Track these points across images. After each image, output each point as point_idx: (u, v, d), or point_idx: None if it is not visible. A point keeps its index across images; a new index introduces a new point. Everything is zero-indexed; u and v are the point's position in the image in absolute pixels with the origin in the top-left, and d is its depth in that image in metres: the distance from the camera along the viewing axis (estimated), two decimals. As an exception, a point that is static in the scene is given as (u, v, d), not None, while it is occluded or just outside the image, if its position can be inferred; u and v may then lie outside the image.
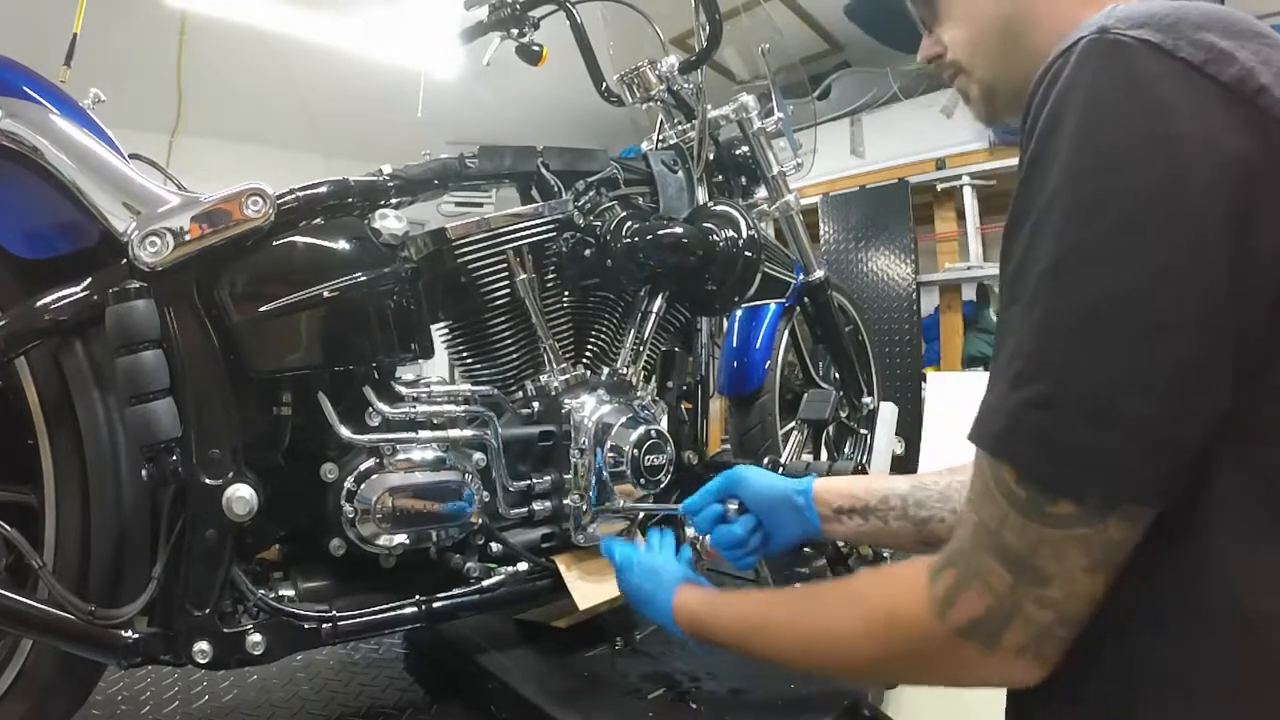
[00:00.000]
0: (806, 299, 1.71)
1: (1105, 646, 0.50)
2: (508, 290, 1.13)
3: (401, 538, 0.96)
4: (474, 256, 1.10)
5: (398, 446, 0.98)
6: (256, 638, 0.88)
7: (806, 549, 1.65)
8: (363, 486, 0.94)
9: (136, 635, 0.83)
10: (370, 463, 0.96)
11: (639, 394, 1.22)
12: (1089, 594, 0.47)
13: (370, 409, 0.97)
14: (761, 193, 1.62)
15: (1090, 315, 0.45)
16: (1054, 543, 0.47)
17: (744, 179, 1.59)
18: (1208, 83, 0.44)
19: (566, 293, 1.20)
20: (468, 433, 1.04)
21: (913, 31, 0.75)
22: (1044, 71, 0.50)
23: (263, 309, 0.89)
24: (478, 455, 1.05)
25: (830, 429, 1.78)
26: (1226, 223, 0.43)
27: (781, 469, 1.32)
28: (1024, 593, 0.48)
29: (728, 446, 1.90)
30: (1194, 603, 0.47)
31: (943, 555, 0.53)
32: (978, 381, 0.52)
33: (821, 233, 3.57)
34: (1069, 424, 0.45)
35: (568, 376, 1.15)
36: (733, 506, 0.95)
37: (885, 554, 1.48)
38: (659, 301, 1.26)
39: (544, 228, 1.16)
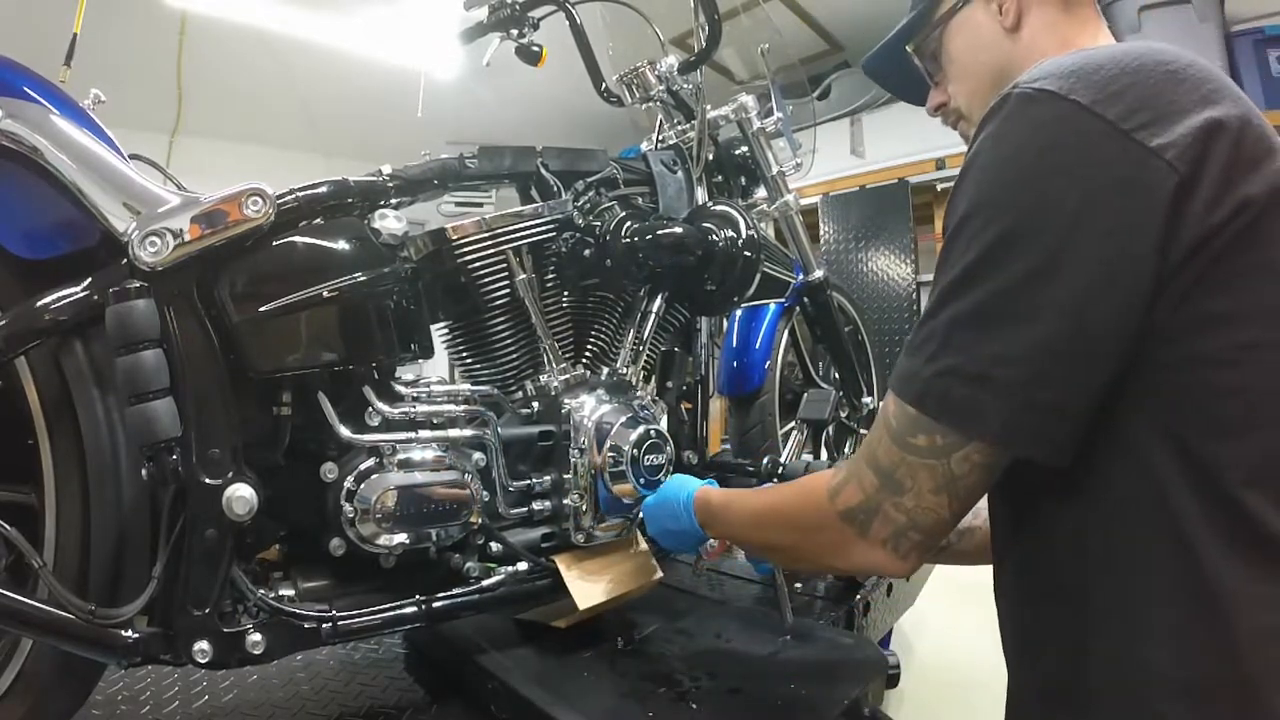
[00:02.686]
0: (806, 299, 1.71)
1: (1063, 611, 0.61)
2: (507, 290, 1.13)
3: (401, 537, 0.96)
4: (474, 256, 1.11)
5: (398, 446, 0.98)
6: (256, 637, 0.88)
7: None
8: (363, 486, 0.94)
9: (136, 635, 0.83)
10: (370, 462, 0.96)
11: (639, 394, 1.23)
12: (934, 510, 0.62)
13: (370, 409, 0.97)
14: (761, 193, 1.62)
15: (983, 310, 0.57)
16: (910, 465, 0.62)
17: (743, 179, 1.59)
18: (1094, 119, 0.54)
19: (566, 293, 1.20)
20: (467, 432, 1.04)
21: (920, 87, 0.87)
22: (979, 125, 0.62)
23: (263, 309, 0.89)
24: (477, 455, 1.05)
25: (830, 429, 1.78)
26: (1097, 233, 0.53)
27: (781, 469, 1.33)
28: (884, 496, 0.64)
29: (728, 446, 1.90)
30: (1140, 552, 0.56)
31: (844, 460, 0.67)
32: (903, 355, 0.65)
33: (821, 233, 3.57)
34: (959, 385, 0.58)
35: (567, 376, 1.15)
36: None
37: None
38: (659, 301, 1.26)
39: (544, 228, 1.16)
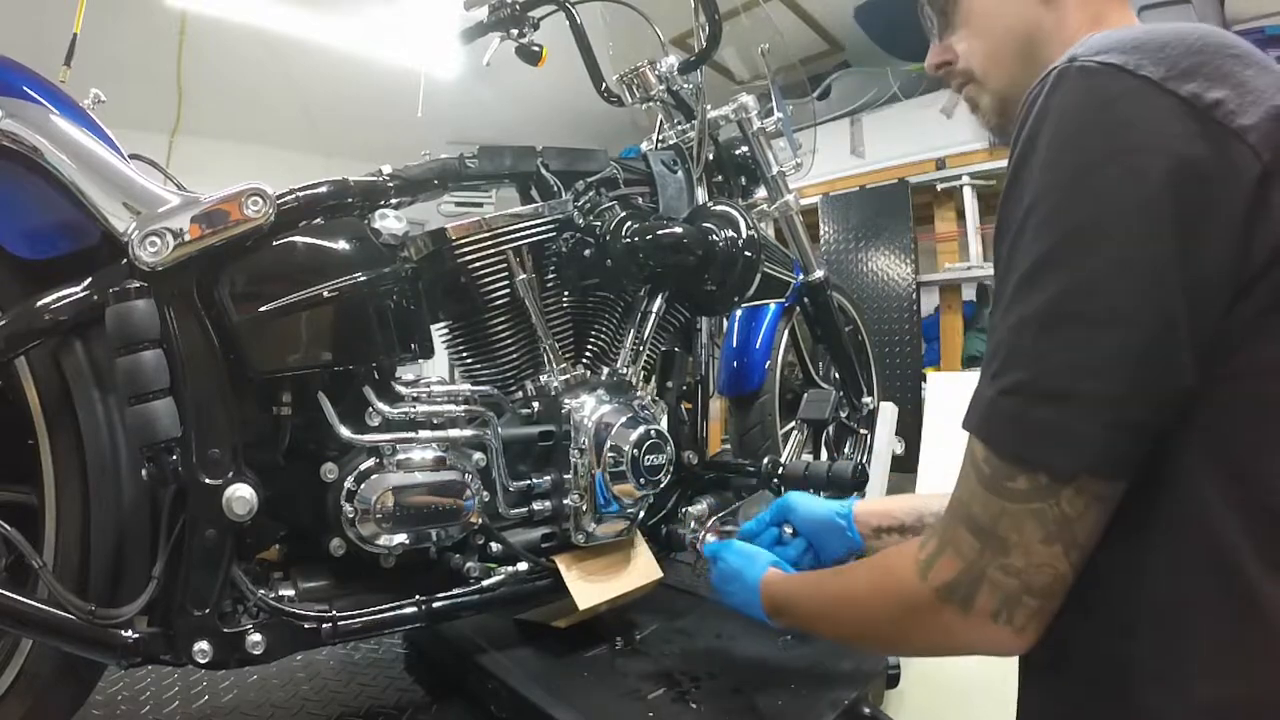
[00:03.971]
0: (806, 299, 1.71)
1: (1099, 630, 0.54)
2: (507, 290, 1.13)
3: (401, 537, 0.96)
4: (474, 256, 1.11)
5: (398, 446, 0.98)
6: (256, 637, 0.88)
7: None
8: (363, 486, 0.94)
9: (136, 635, 0.83)
10: (370, 462, 0.96)
11: (639, 394, 1.22)
12: (1050, 565, 0.52)
13: (370, 409, 0.97)
14: (761, 193, 1.62)
15: (1053, 311, 0.50)
16: (1012, 515, 0.53)
17: (744, 179, 1.59)
18: (1167, 97, 0.49)
19: (566, 293, 1.20)
20: (468, 433, 1.04)
21: (919, 41, 0.77)
22: (1026, 98, 0.55)
23: (263, 309, 0.89)
24: (477, 455, 1.05)
25: (830, 429, 1.78)
26: (1180, 222, 0.47)
27: (781, 469, 1.32)
28: (988, 560, 0.54)
29: (728, 446, 1.91)
30: (1186, 578, 0.51)
31: (930, 528, 0.60)
32: (977, 381, 0.56)
33: (821, 233, 3.57)
34: (1034, 405, 0.51)
35: (567, 376, 1.15)
36: (788, 530, 1.04)
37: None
38: (659, 301, 1.26)
39: (544, 228, 1.16)
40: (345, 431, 0.94)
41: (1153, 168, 0.48)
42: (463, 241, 1.10)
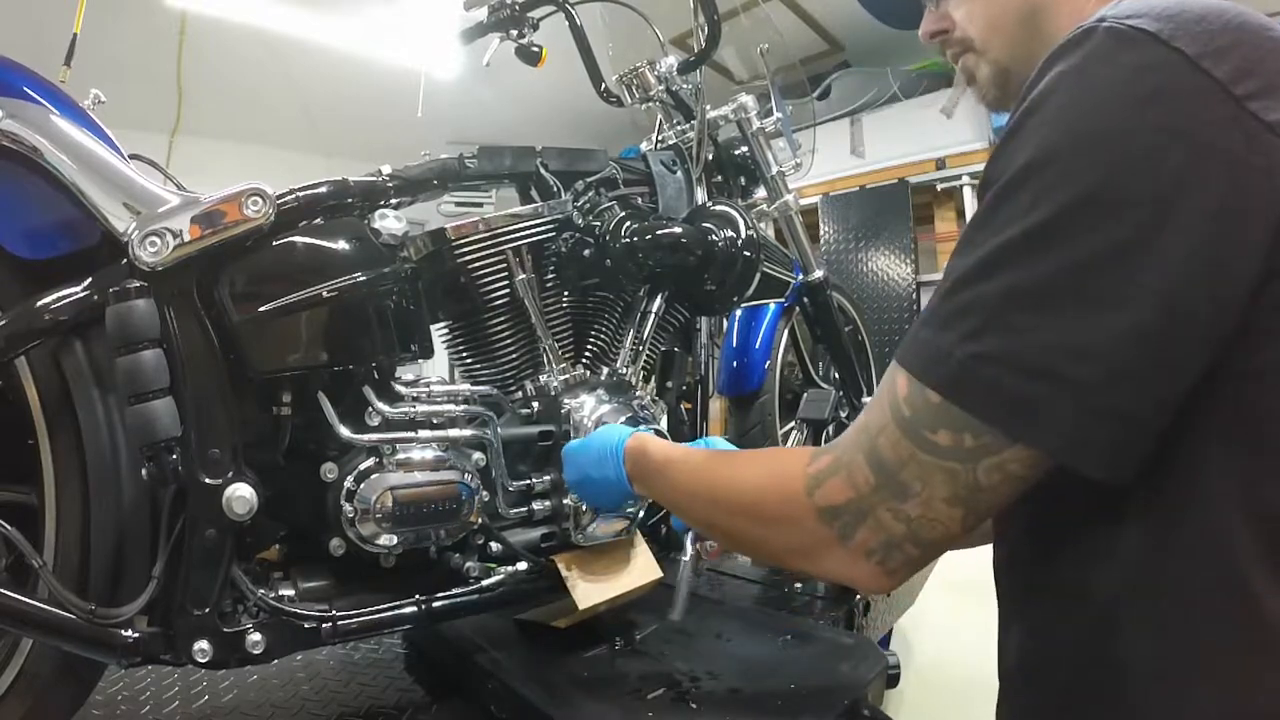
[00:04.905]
0: (806, 299, 1.71)
1: (1093, 633, 0.52)
2: (507, 290, 1.13)
3: (401, 537, 0.96)
4: (473, 256, 1.11)
5: (397, 446, 0.98)
6: (256, 637, 0.88)
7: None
8: (362, 486, 0.94)
9: (136, 635, 0.83)
10: (370, 462, 0.96)
11: (638, 394, 1.22)
12: (942, 523, 0.51)
13: (370, 409, 0.97)
14: (761, 193, 1.62)
15: (1052, 286, 0.46)
16: (922, 465, 0.50)
17: (743, 179, 1.59)
18: (1201, 76, 0.45)
19: (566, 293, 1.20)
20: (467, 432, 1.04)
21: (916, 12, 0.72)
22: (1049, 54, 0.51)
23: (263, 309, 0.89)
24: (477, 455, 1.05)
25: (830, 429, 1.78)
26: (1204, 212, 0.44)
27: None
28: (881, 499, 0.52)
29: (727, 446, 1.90)
30: (1189, 583, 0.48)
31: (830, 444, 0.57)
32: (926, 318, 0.54)
33: (821, 233, 3.58)
34: (1009, 376, 0.47)
35: (567, 376, 1.15)
36: None
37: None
38: (658, 301, 1.26)
39: (543, 228, 1.16)
40: (345, 431, 0.94)
41: (1181, 149, 0.44)
42: (462, 241, 1.10)
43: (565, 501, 1.11)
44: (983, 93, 0.70)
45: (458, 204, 2.88)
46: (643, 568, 1.20)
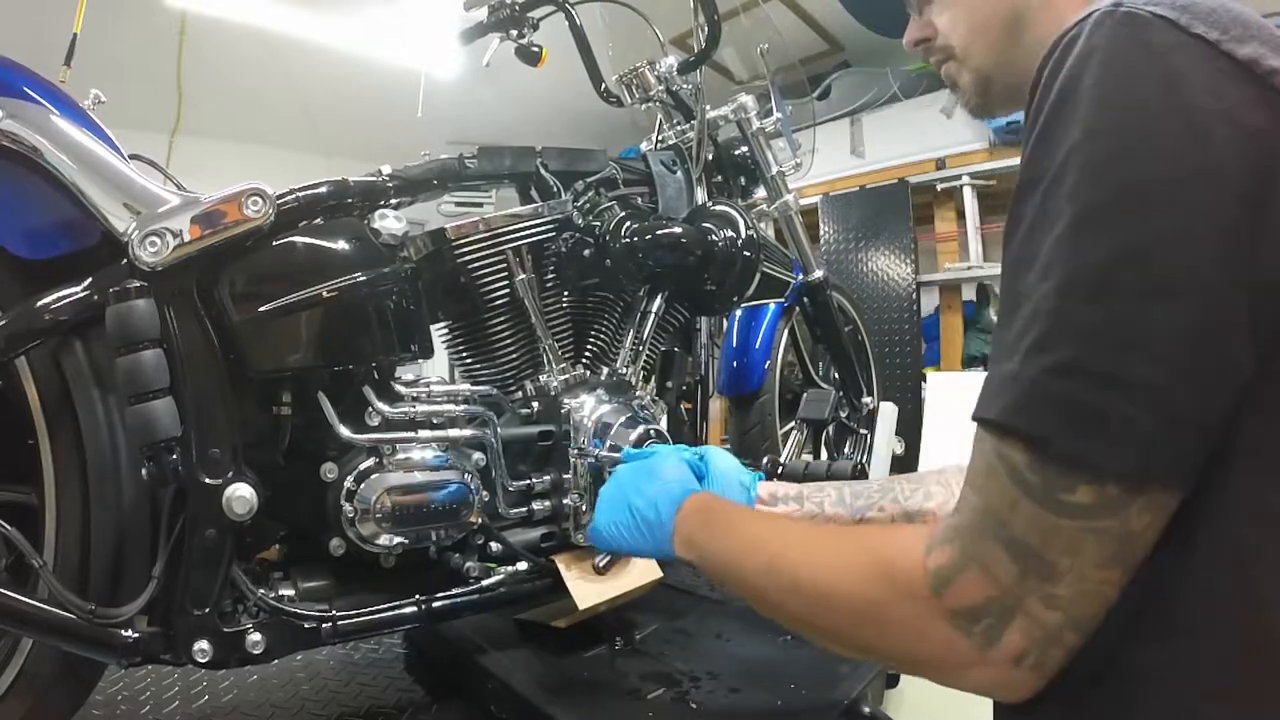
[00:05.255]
0: (806, 299, 1.71)
1: (1101, 643, 0.47)
2: (507, 290, 1.13)
3: (401, 537, 0.96)
4: (473, 256, 1.11)
5: (397, 446, 0.98)
6: (256, 637, 0.89)
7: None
8: (362, 486, 0.94)
9: (136, 634, 0.83)
10: (370, 462, 0.96)
11: (638, 394, 1.23)
12: (1100, 593, 0.43)
13: (370, 409, 0.97)
14: (761, 193, 1.62)
15: (1105, 277, 0.42)
16: (1069, 535, 0.43)
17: (743, 179, 1.59)
18: (1223, 59, 0.43)
19: (566, 293, 1.20)
20: (467, 432, 1.04)
21: (904, 19, 0.71)
22: (1054, 45, 0.49)
23: (262, 309, 0.89)
24: (477, 455, 1.05)
25: (830, 429, 1.79)
26: (1243, 193, 0.41)
27: (781, 468, 1.32)
28: (1030, 588, 0.43)
29: (728, 446, 1.90)
30: (1208, 597, 0.44)
31: (939, 530, 0.48)
32: (977, 381, 0.47)
33: (821, 233, 3.57)
34: (1090, 390, 0.41)
35: (567, 376, 1.15)
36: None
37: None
38: (658, 301, 1.26)
39: (543, 228, 1.16)
40: (345, 431, 0.94)
41: (1216, 131, 0.42)
42: (462, 241, 1.10)
43: (565, 501, 1.11)
44: (965, 99, 0.68)
45: (458, 204, 2.88)
46: (643, 568, 1.20)
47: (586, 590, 1.10)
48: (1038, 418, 0.43)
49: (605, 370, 1.21)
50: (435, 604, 1.00)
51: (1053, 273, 0.43)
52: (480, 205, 2.94)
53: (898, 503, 0.81)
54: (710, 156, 1.46)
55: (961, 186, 3.22)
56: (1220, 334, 0.41)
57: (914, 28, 0.69)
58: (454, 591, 1.02)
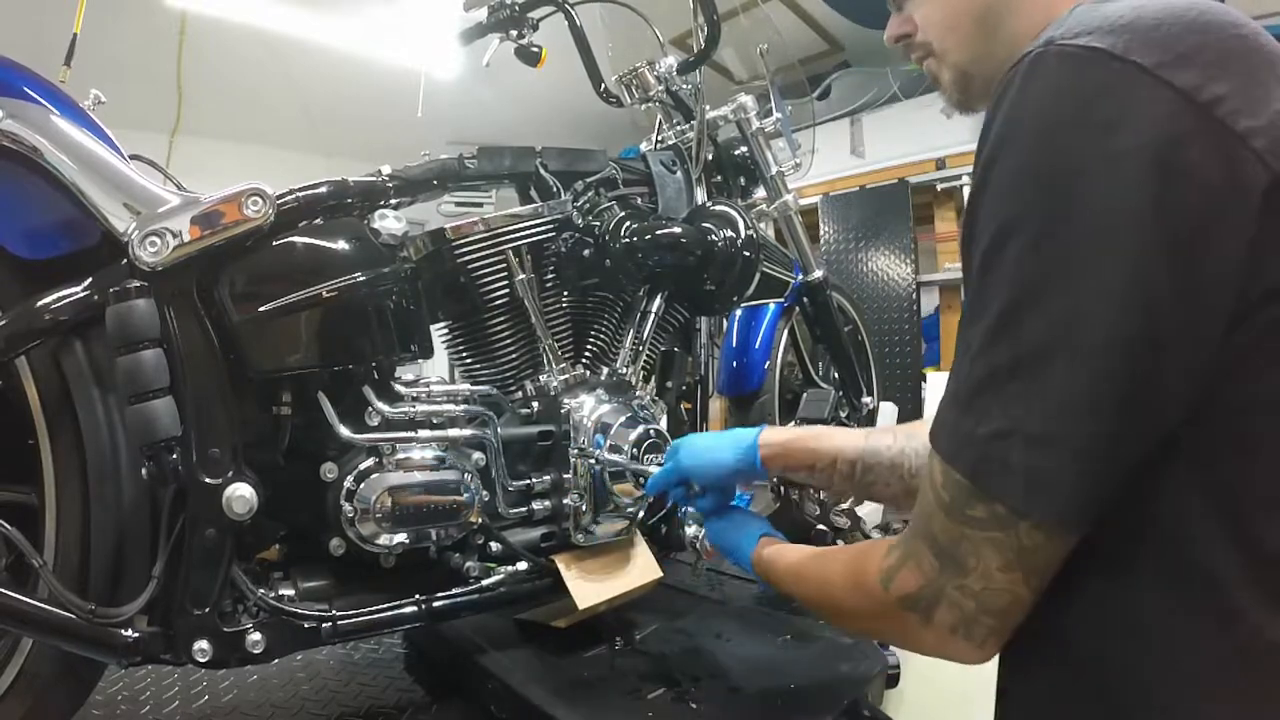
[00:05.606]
0: (805, 299, 1.71)
1: (1077, 653, 0.52)
2: (507, 290, 1.13)
3: (401, 537, 0.96)
4: (473, 256, 1.11)
5: (397, 446, 0.98)
6: (256, 637, 0.89)
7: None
8: (362, 486, 0.94)
9: (136, 634, 0.83)
10: (370, 462, 0.96)
11: (638, 394, 1.23)
12: (1008, 590, 0.51)
13: (370, 408, 0.97)
14: (760, 193, 1.62)
15: (1036, 354, 0.46)
16: (971, 541, 0.51)
17: (743, 179, 1.59)
18: (1160, 88, 0.42)
19: (565, 293, 1.21)
20: (467, 432, 1.04)
21: (885, 13, 0.71)
22: (998, 86, 0.50)
23: (262, 309, 0.89)
24: (477, 455, 1.05)
25: (830, 429, 1.78)
26: (1175, 239, 0.42)
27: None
28: (947, 580, 0.53)
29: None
30: (1182, 618, 0.48)
31: (894, 541, 0.60)
32: (947, 400, 0.55)
33: (821, 233, 3.57)
34: (1016, 449, 0.47)
35: (567, 376, 1.15)
36: (695, 489, 0.96)
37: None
38: (658, 301, 1.26)
39: (543, 228, 1.16)
40: (345, 431, 0.94)
41: (1144, 176, 0.42)
42: (462, 241, 1.10)
43: (565, 501, 1.11)
44: (947, 96, 0.69)
45: (458, 204, 2.88)
46: (643, 568, 1.20)
47: (586, 590, 1.11)
48: (960, 455, 0.51)
49: (605, 370, 1.21)
50: (435, 604, 1.00)
51: (996, 351, 0.48)
52: (480, 205, 2.94)
53: (903, 479, 0.85)
54: (710, 156, 1.46)
55: (961, 186, 3.22)
56: (1145, 386, 0.44)
57: (894, 24, 0.70)
58: (454, 591, 1.03)
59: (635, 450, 1.11)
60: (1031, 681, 0.56)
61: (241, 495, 0.85)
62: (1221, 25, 0.45)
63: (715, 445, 0.93)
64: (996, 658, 0.61)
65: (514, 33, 1.45)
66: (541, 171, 1.20)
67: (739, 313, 1.75)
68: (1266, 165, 0.42)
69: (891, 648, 1.08)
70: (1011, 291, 0.47)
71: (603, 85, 1.51)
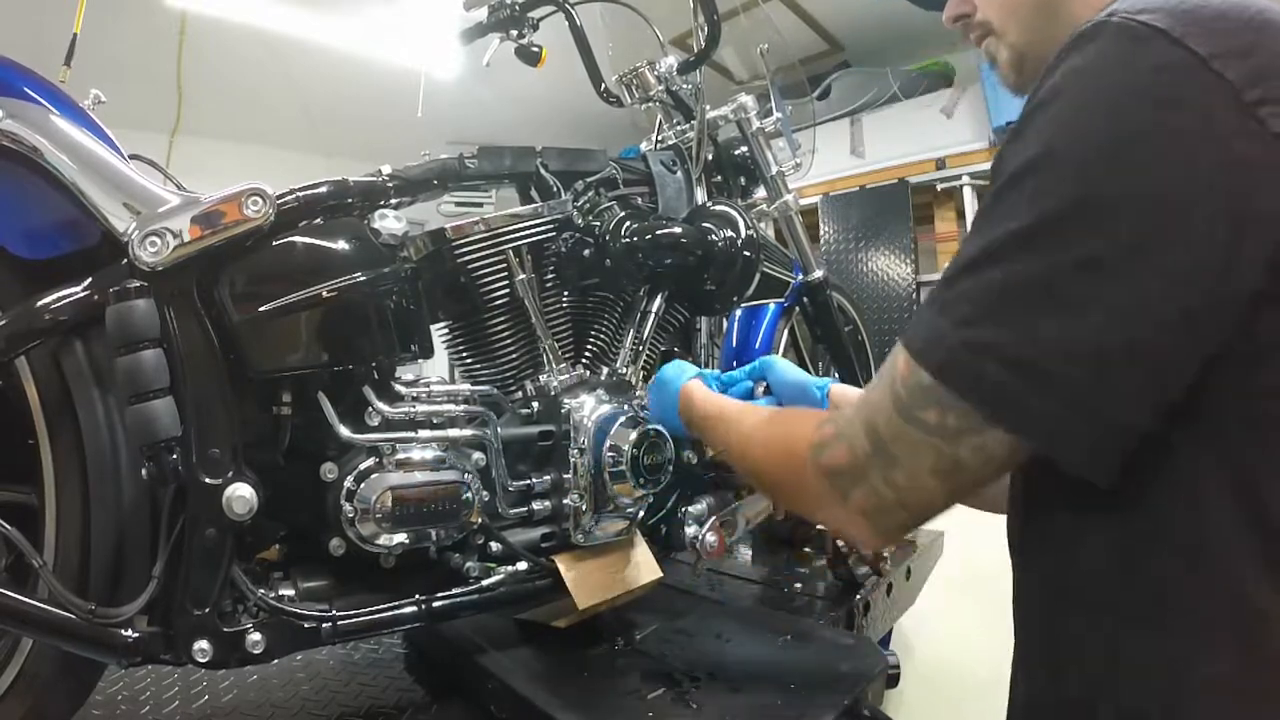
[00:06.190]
0: (806, 299, 1.71)
1: (1090, 637, 0.53)
2: (507, 290, 1.13)
3: (401, 537, 0.96)
4: (473, 256, 1.11)
5: (397, 446, 0.98)
6: (256, 637, 0.89)
7: (807, 549, 1.66)
8: (362, 486, 0.94)
9: (136, 634, 0.83)
10: (370, 462, 0.96)
11: (638, 394, 1.22)
12: (928, 492, 0.55)
13: (370, 408, 0.97)
14: (760, 193, 1.62)
15: (1052, 283, 0.46)
16: (911, 440, 0.53)
17: (743, 179, 1.59)
18: (1211, 78, 0.43)
19: (566, 293, 1.21)
20: (467, 432, 1.04)
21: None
22: (1059, 52, 0.51)
23: (262, 309, 0.89)
24: (477, 455, 1.05)
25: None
26: (1212, 221, 0.43)
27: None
28: (874, 466, 0.56)
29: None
30: (1186, 587, 0.49)
31: (837, 412, 0.63)
32: (930, 301, 0.57)
33: (821, 233, 3.58)
34: (998, 365, 0.48)
35: (567, 376, 1.15)
36: (760, 389, 1.04)
37: (884, 554, 1.48)
38: (658, 301, 1.26)
39: (543, 228, 1.16)
40: (345, 431, 0.94)
41: (1203, 157, 0.43)
42: (462, 241, 1.10)
43: (565, 501, 1.11)
44: (1003, 76, 0.70)
45: (458, 204, 2.88)
46: (643, 568, 1.20)
47: (586, 590, 1.10)
48: (938, 361, 0.51)
49: (605, 370, 1.21)
50: (435, 604, 1.00)
51: (997, 266, 0.49)
52: (480, 205, 2.94)
53: None
54: (710, 156, 1.46)
55: (961, 186, 3.23)
56: (1148, 349, 0.45)
57: (953, 4, 0.71)
58: (454, 591, 1.02)
59: (635, 450, 1.11)
60: (1048, 619, 0.58)
61: (241, 495, 0.85)
62: (1279, 28, 0.46)
63: (798, 370, 1.02)
64: (1012, 659, 0.63)
65: (514, 32, 1.45)
66: (542, 171, 1.20)
67: (739, 313, 1.75)
68: None
69: (891, 648, 1.08)
70: (1031, 213, 0.47)
71: (603, 85, 1.51)
